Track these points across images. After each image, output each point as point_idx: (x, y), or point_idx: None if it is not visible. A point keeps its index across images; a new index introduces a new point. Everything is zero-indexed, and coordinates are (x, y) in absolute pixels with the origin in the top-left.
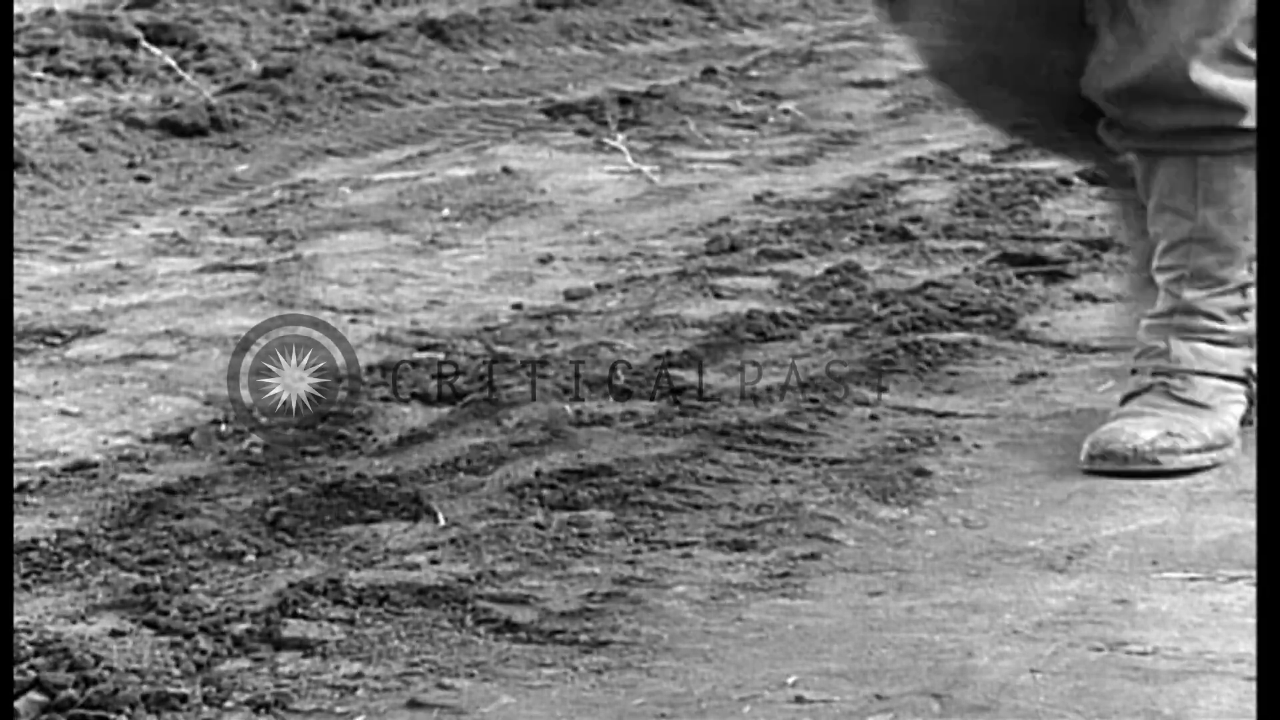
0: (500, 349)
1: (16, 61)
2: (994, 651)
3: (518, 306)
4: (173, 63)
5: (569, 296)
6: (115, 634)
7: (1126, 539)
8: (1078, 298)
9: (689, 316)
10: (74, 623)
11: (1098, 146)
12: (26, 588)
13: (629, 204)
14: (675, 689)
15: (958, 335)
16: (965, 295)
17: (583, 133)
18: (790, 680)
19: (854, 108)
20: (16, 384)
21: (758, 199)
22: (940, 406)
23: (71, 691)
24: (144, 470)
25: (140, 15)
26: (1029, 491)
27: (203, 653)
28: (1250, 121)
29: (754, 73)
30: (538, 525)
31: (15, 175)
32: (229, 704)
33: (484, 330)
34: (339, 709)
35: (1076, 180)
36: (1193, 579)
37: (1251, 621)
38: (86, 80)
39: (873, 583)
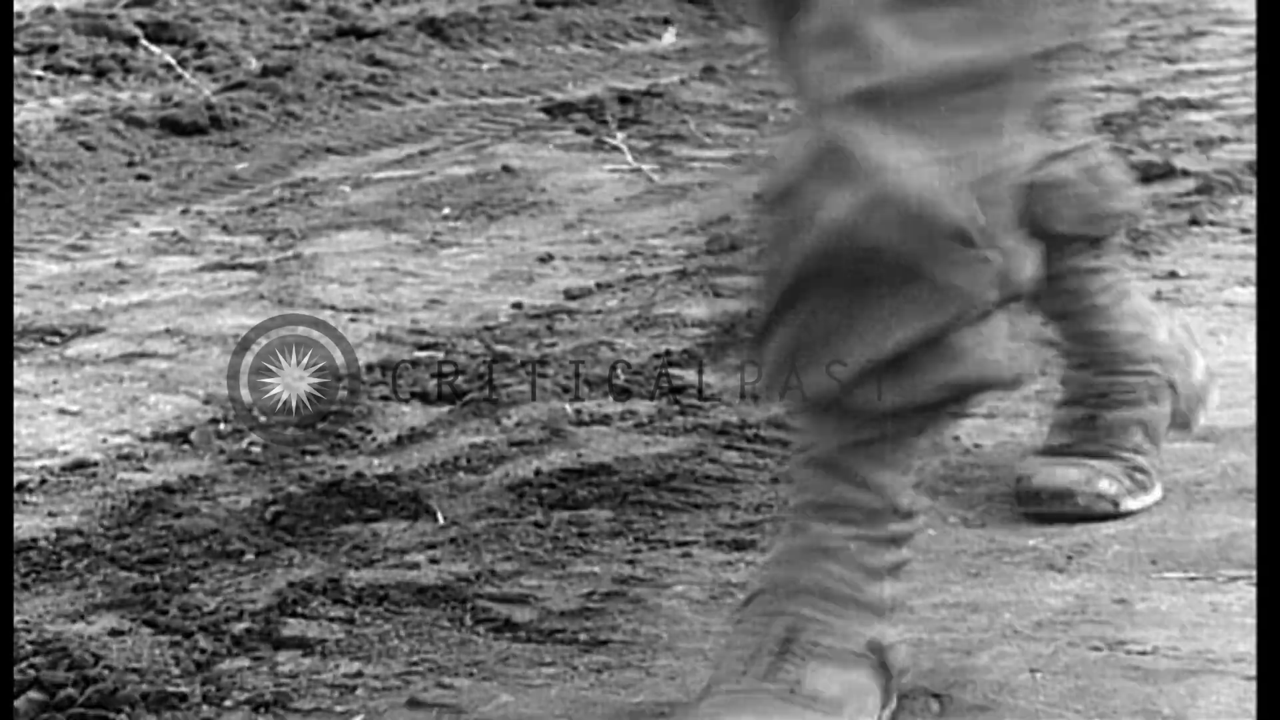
0: (500, 348)
1: (16, 60)
2: (993, 651)
3: (518, 306)
4: (172, 61)
5: (569, 296)
6: (114, 633)
7: (1126, 538)
8: None
9: (689, 316)
10: (73, 622)
11: None
12: (26, 587)
13: (629, 203)
14: (675, 688)
15: None
16: None
17: (583, 131)
18: None
19: None
20: (16, 383)
21: (758, 198)
22: None
23: (71, 690)
24: (143, 469)
25: (140, 13)
26: None
27: (202, 652)
28: None
29: (754, 71)
30: (537, 524)
31: (15, 174)
32: (228, 703)
33: (484, 329)
34: (338, 708)
35: None
36: (1192, 578)
37: (1251, 621)
38: (86, 78)
39: None
